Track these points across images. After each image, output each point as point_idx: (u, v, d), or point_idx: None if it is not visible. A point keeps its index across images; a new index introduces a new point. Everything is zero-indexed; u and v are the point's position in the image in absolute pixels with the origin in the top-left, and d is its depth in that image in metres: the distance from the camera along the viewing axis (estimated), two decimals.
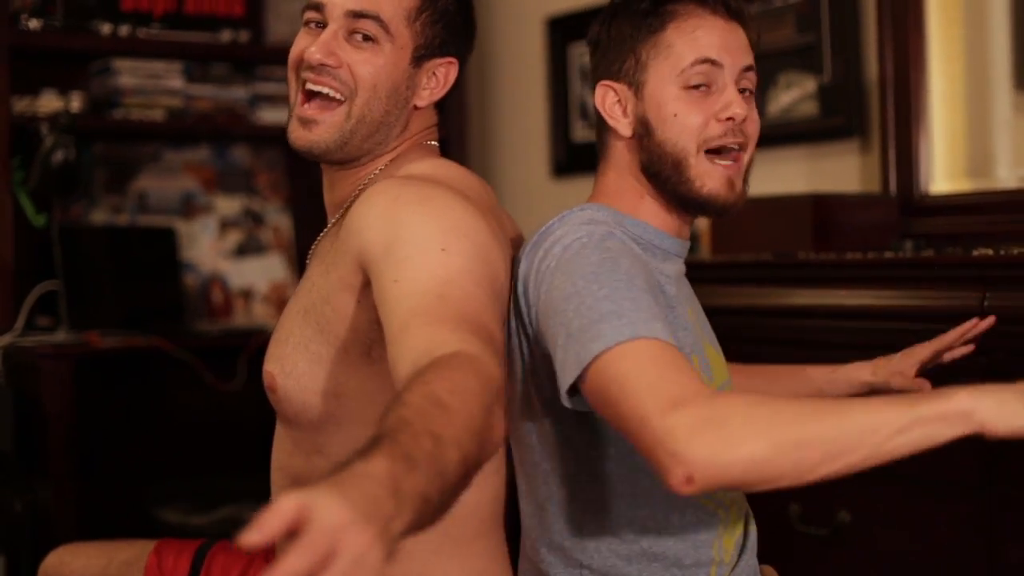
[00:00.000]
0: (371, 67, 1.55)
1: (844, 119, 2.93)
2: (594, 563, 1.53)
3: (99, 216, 3.46)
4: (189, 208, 3.58)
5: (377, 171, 1.61)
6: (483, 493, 1.56)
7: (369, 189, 1.51)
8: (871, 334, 2.15)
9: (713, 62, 1.55)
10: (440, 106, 1.66)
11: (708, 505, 1.55)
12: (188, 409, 3.26)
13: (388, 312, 1.35)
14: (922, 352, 1.80)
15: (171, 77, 3.45)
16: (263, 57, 3.57)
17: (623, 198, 1.60)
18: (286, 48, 1.64)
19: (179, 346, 3.04)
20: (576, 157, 3.66)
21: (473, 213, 1.46)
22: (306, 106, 1.58)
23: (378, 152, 1.61)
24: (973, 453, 1.96)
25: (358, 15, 1.55)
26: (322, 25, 1.58)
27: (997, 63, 2.80)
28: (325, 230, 1.65)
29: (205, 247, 3.58)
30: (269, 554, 1.77)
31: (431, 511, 0.98)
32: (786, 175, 3.06)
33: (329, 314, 1.52)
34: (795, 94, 3.04)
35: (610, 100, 1.60)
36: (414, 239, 1.39)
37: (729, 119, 1.55)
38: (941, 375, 2.02)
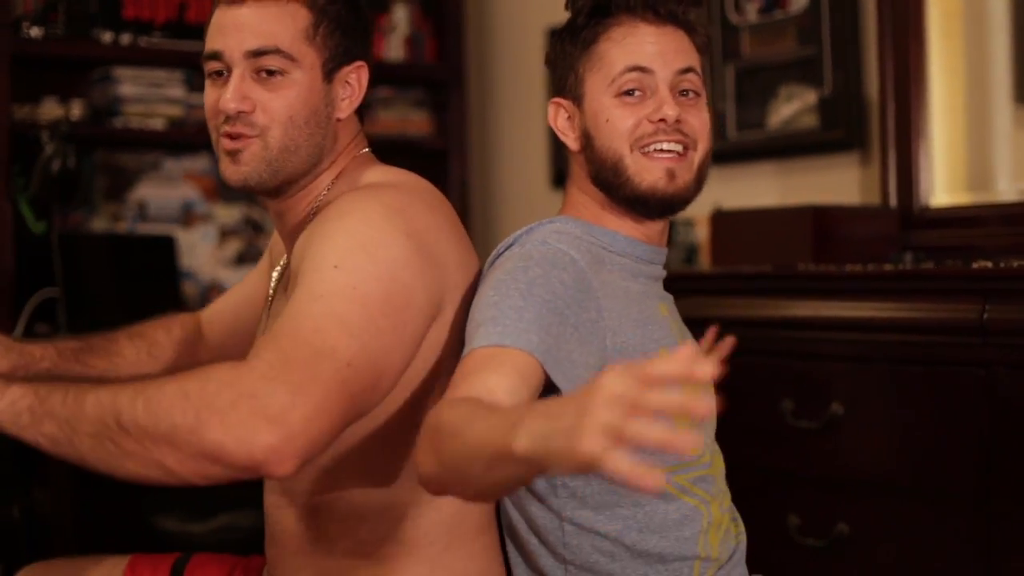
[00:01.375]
0: (284, 101, 1.54)
1: (844, 131, 2.94)
2: (577, 559, 1.54)
3: (99, 224, 3.46)
4: (189, 216, 3.58)
5: (325, 191, 1.60)
6: None
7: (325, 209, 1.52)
8: (870, 346, 2.15)
9: (643, 69, 1.57)
10: (360, 112, 1.66)
11: (691, 501, 1.56)
12: None
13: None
14: None
15: (172, 86, 3.45)
16: None
17: (588, 210, 1.62)
18: None
19: None
20: None
21: (393, 229, 1.44)
22: (227, 140, 1.56)
23: (316, 172, 1.60)
24: (972, 465, 1.96)
25: (258, 53, 1.53)
26: (225, 73, 1.56)
27: (997, 76, 2.80)
28: (283, 261, 1.65)
29: (204, 255, 3.58)
30: (250, 564, 1.76)
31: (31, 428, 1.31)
32: (786, 187, 3.06)
33: None
34: (796, 106, 3.05)
35: (561, 117, 1.64)
36: (315, 256, 1.40)
37: (661, 120, 1.56)
38: (941, 393, 2.03)
